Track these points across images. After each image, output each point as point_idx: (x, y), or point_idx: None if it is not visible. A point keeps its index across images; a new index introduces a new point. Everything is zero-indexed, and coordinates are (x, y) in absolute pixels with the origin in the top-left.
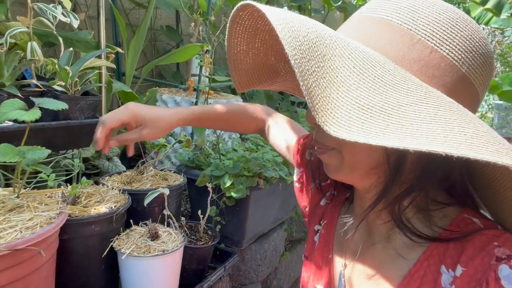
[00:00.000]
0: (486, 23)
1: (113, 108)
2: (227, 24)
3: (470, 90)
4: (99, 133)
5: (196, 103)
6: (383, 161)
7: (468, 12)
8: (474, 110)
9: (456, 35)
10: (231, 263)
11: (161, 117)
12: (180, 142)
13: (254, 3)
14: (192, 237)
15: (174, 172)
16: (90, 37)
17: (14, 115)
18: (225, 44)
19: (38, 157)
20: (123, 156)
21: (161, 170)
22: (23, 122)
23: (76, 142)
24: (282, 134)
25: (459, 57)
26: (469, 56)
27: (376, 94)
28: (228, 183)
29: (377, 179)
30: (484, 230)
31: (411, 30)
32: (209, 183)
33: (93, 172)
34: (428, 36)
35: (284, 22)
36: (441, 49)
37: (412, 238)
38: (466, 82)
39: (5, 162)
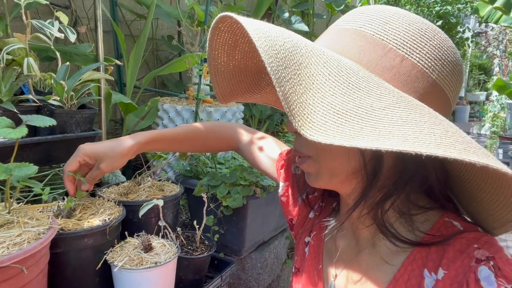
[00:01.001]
0: (496, 22)
1: (115, 119)
2: (208, 36)
3: (441, 96)
4: (65, 181)
5: (196, 112)
6: (360, 167)
7: (476, 11)
8: (446, 114)
9: (426, 44)
10: (228, 273)
11: (114, 147)
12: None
13: (233, 15)
14: (189, 247)
15: (172, 182)
16: (89, 50)
17: (1, 134)
18: (207, 56)
19: (25, 174)
20: (127, 166)
21: (159, 180)
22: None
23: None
24: (264, 151)
25: (429, 64)
26: (438, 64)
27: (351, 100)
28: (224, 192)
29: (356, 184)
30: (464, 233)
31: (383, 40)
32: (205, 192)
33: (95, 183)
34: (399, 45)
35: (261, 32)
36: (412, 57)
37: (395, 243)
38: (436, 88)
39: None
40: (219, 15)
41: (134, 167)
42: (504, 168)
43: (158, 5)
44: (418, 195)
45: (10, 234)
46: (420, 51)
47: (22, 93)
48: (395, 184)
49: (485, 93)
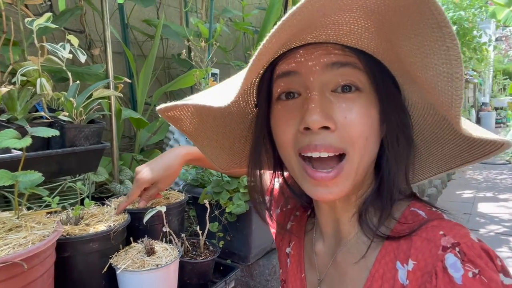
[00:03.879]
0: None
1: (130, 135)
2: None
3: None
4: (124, 204)
5: None
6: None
7: (493, 15)
8: None
9: None
10: (233, 277)
11: (167, 168)
12: None
13: (163, 106)
14: (194, 253)
15: (178, 191)
16: (101, 71)
17: (7, 143)
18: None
19: (30, 180)
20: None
21: (166, 190)
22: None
23: (83, 167)
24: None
25: None
26: None
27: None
28: (226, 199)
29: (370, 179)
30: (429, 222)
31: None
32: (210, 200)
33: (107, 195)
34: None
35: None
36: None
37: (368, 236)
38: None
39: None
40: (160, 113)
41: None
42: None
43: (167, 25)
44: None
45: (17, 237)
46: None
47: (37, 111)
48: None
49: (511, 98)
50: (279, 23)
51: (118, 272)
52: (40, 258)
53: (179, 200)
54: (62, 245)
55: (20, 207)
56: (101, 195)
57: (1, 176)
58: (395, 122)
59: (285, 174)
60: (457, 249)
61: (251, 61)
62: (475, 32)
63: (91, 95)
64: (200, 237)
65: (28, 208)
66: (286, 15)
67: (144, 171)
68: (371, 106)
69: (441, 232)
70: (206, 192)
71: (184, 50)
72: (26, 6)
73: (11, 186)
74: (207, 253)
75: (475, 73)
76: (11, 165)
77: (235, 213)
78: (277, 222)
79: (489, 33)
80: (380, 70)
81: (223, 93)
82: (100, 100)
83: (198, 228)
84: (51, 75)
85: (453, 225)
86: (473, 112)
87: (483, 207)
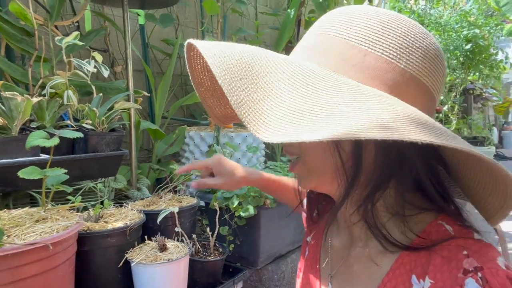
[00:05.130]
0: None
1: (148, 148)
2: (187, 66)
3: (415, 84)
4: (185, 166)
5: (217, 138)
6: (339, 163)
7: (510, 33)
8: (427, 102)
9: (388, 35)
10: (241, 278)
11: (236, 172)
12: None
13: (194, 42)
14: (204, 253)
15: (191, 196)
16: (123, 86)
17: (37, 142)
18: (193, 85)
19: (57, 176)
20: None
21: (179, 195)
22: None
23: (104, 171)
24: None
25: (394, 54)
26: (405, 52)
27: (308, 100)
28: (236, 203)
29: (340, 182)
30: (455, 239)
31: (345, 38)
32: (220, 204)
33: (125, 200)
34: (361, 41)
35: (216, 50)
36: (375, 50)
37: (384, 245)
38: (408, 76)
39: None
40: (185, 45)
41: (158, 181)
42: (476, 152)
43: (184, 44)
44: (413, 194)
45: (43, 227)
46: (382, 43)
47: (63, 120)
48: (379, 178)
49: None
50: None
51: (132, 264)
52: (63, 246)
53: (191, 204)
54: (83, 239)
55: (46, 202)
56: (119, 201)
57: (32, 171)
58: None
59: None
60: (479, 274)
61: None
62: (491, 50)
63: (112, 107)
64: (210, 238)
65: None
66: None
67: (222, 157)
68: None
69: (464, 253)
70: (217, 198)
71: None
72: (56, 27)
73: (38, 187)
74: (216, 254)
75: (494, 91)
76: (40, 166)
77: (244, 217)
78: (306, 210)
79: (505, 51)
80: None
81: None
82: (120, 111)
83: (208, 229)
84: (77, 89)
85: (481, 246)
86: (495, 131)
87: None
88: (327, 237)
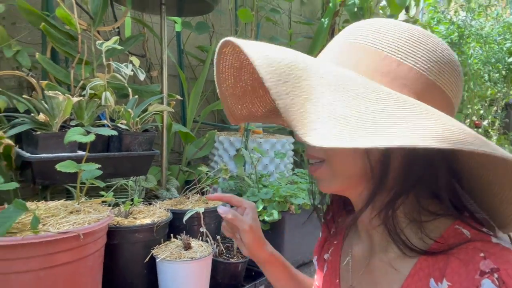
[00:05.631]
0: None
1: (179, 151)
2: (214, 61)
3: (441, 96)
4: (218, 194)
5: (245, 143)
6: (368, 168)
7: None
8: (449, 113)
9: (420, 48)
10: (262, 282)
11: (261, 233)
12: (219, 170)
13: (233, 40)
14: (227, 255)
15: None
16: (158, 89)
17: (75, 138)
18: (215, 79)
19: (91, 171)
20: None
21: (206, 197)
22: (91, 151)
23: (135, 170)
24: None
25: (425, 67)
26: (435, 65)
27: (349, 106)
28: (260, 207)
29: (365, 186)
30: (472, 242)
31: (378, 48)
32: None
33: (154, 199)
34: (394, 51)
35: (260, 51)
36: (407, 61)
37: (403, 251)
38: (435, 88)
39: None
40: (222, 40)
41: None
42: (504, 154)
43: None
44: (428, 200)
45: (76, 218)
46: (414, 55)
47: (100, 120)
48: (403, 184)
49: None
50: None
51: (158, 260)
52: (94, 237)
53: (216, 205)
54: (113, 233)
55: (80, 195)
56: (148, 199)
57: (69, 165)
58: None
59: None
60: (495, 275)
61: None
62: None
63: (147, 109)
64: (234, 241)
65: (87, 199)
66: None
67: (255, 210)
68: None
69: (481, 255)
70: None
71: None
72: (98, 32)
73: (73, 181)
74: (239, 256)
75: None
76: (76, 162)
77: (268, 221)
78: (322, 232)
79: None
80: None
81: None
82: (154, 113)
83: None
84: (115, 91)
85: (498, 249)
86: None
87: None
88: (348, 247)
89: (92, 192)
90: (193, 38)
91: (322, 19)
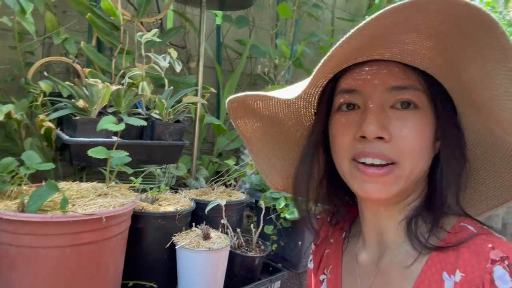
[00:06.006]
0: None
1: (212, 141)
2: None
3: None
4: None
5: None
6: (427, 169)
7: None
8: None
9: None
10: (279, 278)
11: None
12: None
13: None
14: (246, 248)
15: (241, 192)
16: (194, 81)
17: (107, 126)
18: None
19: (120, 157)
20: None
21: (231, 189)
22: (125, 138)
23: (165, 158)
24: None
25: None
26: None
27: None
28: (282, 204)
29: (422, 187)
30: (479, 236)
31: None
32: (267, 204)
33: (182, 188)
34: None
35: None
36: None
37: (417, 248)
38: None
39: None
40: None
41: (216, 173)
42: None
43: (256, 45)
44: None
45: (103, 201)
46: None
47: (137, 108)
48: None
49: None
50: (352, 31)
51: (177, 247)
52: (118, 220)
53: (239, 199)
54: (137, 217)
55: (110, 180)
56: (178, 187)
57: (100, 151)
58: (450, 140)
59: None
60: (506, 262)
61: (321, 62)
62: None
63: (181, 100)
64: (253, 235)
65: (116, 183)
66: (360, 24)
67: None
68: (427, 123)
69: (490, 245)
70: (266, 197)
71: (267, 69)
72: (141, 23)
73: (105, 165)
74: (257, 250)
75: None
76: (109, 147)
77: (289, 219)
78: (314, 256)
79: None
80: (439, 90)
81: (290, 91)
82: (187, 105)
83: (252, 226)
84: (153, 81)
85: (504, 241)
86: None
87: None
88: (350, 259)
89: (123, 177)
90: (233, 31)
91: (367, 17)
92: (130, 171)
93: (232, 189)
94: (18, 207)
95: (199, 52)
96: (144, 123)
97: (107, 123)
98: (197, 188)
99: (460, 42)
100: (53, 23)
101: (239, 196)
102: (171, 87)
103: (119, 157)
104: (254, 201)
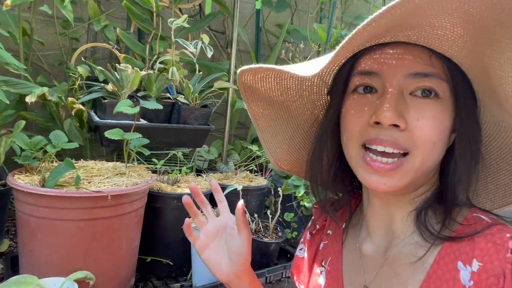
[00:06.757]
0: None
1: (244, 121)
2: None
3: None
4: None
5: None
6: (440, 160)
7: None
8: None
9: None
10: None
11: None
12: None
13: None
14: (263, 233)
15: (265, 178)
16: (227, 66)
17: (122, 109)
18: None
19: (139, 139)
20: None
21: (255, 175)
22: (154, 121)
23: (190, 142)
24: None
25: None
26: None
27: None
28: (302, 192)
29: (434, 179)
30: (494, 226)
31: None
32: (289, 191)
33: (215, 171)
34: None
35: None
36: None
37: (426, 238)
38: None
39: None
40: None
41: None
42: None
43: (297, 29)
44: None
45: (117, 180)
46: None
47: (169, 92)
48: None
49: None
50: (383, 8)
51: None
52: (130, 198)
53: (259, 185)
54: (156, 197)
55: (129, 160)
56: (206, 170)
57: (116, 132)
58: (467, 132)
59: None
60: None
61: (345, 39)
62: None
63: (212, 85)
64: (270, 220)
65: (139, 163)
66: (393, 2)
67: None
68: (446, 114)
69: (508, 235)
70: (288, 184)
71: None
72: (180, 9)
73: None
74: (274, 236)
75: None
76: (135, 130)
77: (308, 207)
78: (308, 246)
79: None
80: (462, 80)
81: (307, 67)
82: (216, 90)
83: (268, 212)
84: (188, 66)
85: None
86: None
87: None
88: (352, 249)
89: (155, 158)
90: (275, 16)
91: None
92: (147, 152)
93: (256, 175)
94: (40, 181)
95: (232, 37)
96: (159, 106)
97: (123, 106)
98: (221, 173)
99: (494, 31)
100: (95, 10)
101: (260, 181)
102: (200, 72)
103: (138, 139)
104: (275, 187)
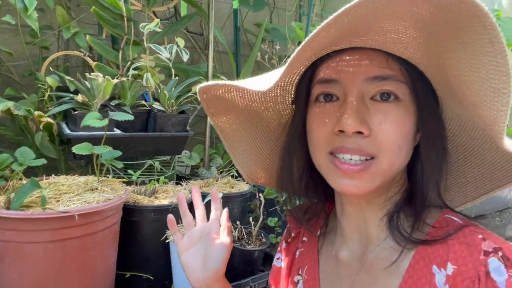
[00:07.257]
0: None
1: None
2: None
3: None
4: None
5: None
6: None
7: None
8: None
9: None
10: None
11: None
12: None
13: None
14: (246, 240)
15: (247, 183)
16: (204, 69)
17: (90, 122)
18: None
19: (111, 151)
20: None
21: (238, 180)
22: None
23: (168, 150)
24: None
25: None
26: None
27: None
28: (285, 196)
29: (402, 180)
30: (467, 227)
31: None
32: (273, 196)
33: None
34: None
35: None
36: None
37: (400, 243)
38: None
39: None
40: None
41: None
42: None
43: (276, 28)
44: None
45: (88, 196)
46: None
47: (145, 100)
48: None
49: None
50: (330, 17)
51: (169, 240)
52: (102, 215)
53: (241, 191)
54: (131, 211)
55: (101, 174)
56: (192, 177)
57: (84, 147)
58: (431, 132)
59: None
60: (499, 253)
61: (296, 51)
62: None
63: (190, 89)
64: (252, 227)
65: (114, 177)
66: (339, 11)
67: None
68: (408, 115)
69: (480, 237)
70: (271, 189)
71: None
72: (154, 12)
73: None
74: (257, 243)
75: None
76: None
77: None
78: (285, 255)
79: None
80: (421, 81)
81: (264, 80)
82: (195, 94)
83: (250, 218)
84: (165, 71)
85: (490, 232)
86: None
87: None
88: (327, 257)
89: (132, 168)
90: (254, 15)
91: None
92: (120, 165)
93: (238, 180)
94: (5, 203)
95: (208, 38)
96: (130, 117)
97: (91, 119)
98: (202, 179)
99: (446, 32)
100: (64, 17)
101: (242, 187)
102: (177, 77)
103: (110, 151)
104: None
